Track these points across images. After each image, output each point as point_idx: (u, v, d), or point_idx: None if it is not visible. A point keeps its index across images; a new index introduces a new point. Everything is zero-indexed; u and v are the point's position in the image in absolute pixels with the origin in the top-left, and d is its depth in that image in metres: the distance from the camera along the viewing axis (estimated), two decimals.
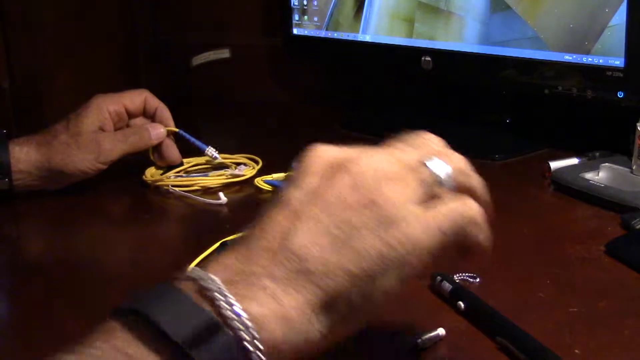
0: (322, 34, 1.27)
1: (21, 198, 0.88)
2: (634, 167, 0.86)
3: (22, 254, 0.78)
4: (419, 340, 0.55)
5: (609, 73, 0.91)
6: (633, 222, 0.76)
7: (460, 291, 0.61)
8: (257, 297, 0.39)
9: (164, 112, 0.97)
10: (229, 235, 0.73)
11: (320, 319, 0.40)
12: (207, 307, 0.38)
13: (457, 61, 1.09)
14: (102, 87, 1.34)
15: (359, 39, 1.22)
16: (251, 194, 0.92)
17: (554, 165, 0.92)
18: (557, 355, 0.52)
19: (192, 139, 0.98)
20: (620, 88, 0.91)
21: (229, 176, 0.94)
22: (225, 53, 1.46)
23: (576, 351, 0.54)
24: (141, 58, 1.46)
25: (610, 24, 0.91)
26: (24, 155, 0.86)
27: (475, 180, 0.49)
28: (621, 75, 0.90)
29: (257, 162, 0.99)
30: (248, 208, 0.88)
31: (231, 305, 0.38)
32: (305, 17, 1.29)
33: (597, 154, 0.94)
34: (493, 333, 0.56)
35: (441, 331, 0.56)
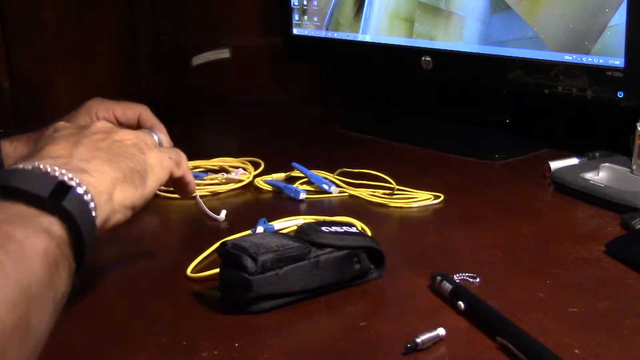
0: (322, 34, 1.27)
1: None
2: (634, 167, 0.86)
3: None
4: (419, 340, 0.55)
5: (609, 73, 0.91)
6: (633, 222, 0.76)
7: (460, 291, 0.61)
8: (73, 170, 0.53)
9: (161, 128, 0.91)
10: (229, 236, 0.73)
11: (120, 188, 0.58)
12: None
13: (457, 61, 1.09)
14: (102, 87, 1.34)
15: (359, 39, 1.22)
16: (249, 195, 0.92)
17: (554, 165, 0.92)
18: (557, 355, 0.52)
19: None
20: (620, 88, 0.91)
21: (223, 180, 0.93)
22: (225, 53, 1.46)
23: (576, 351, 0.54)
24: (141, 58, 1.46)
25: (610, 24, 0.91)
26: (12, 150, 0.86)
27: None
28: (621, 75, 0.90)
29: (258, 165, 0.99)
30: (246, 209, 0.89)
31: (64, 174, 0.51)
32: (305, 17, 1.29)
33: (597, 154, 0.94)
34: (493, 333, 0.56)
35: (441, 331, 0.56)
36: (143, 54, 1.46)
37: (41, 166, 0.52)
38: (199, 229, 0.83)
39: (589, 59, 0.94)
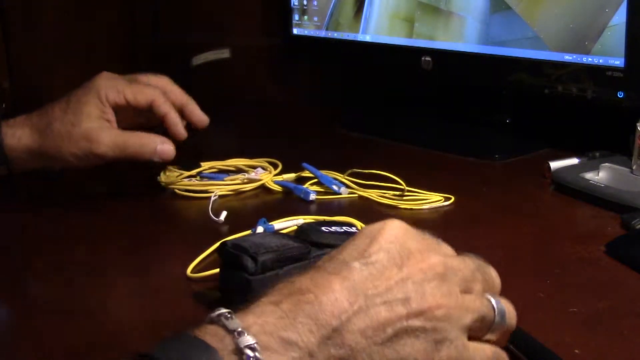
0: (322, 34, 1.27)
1: (26, 192, 0.89)
2: (634, 167, 0.86)
3: (27, 254, 0.78)
4: None
5: (609, 73, 0.91)
6: (633, 222, 0.76)
7: None
8: None
9: (174, 123, 0.88)
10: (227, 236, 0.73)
11: None
12: None
13: (457, 61, 1.09)
14: None
15: (359, 39, 1.22)
16: (259, 196, 0.92)
17: (554, 165, 0.92)
18: (557, 355, 0.52)
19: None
20: (620, 88, 0.91)
21: (245, 180, 0.93)
22: (225, 53, 1.46)
23: (576, 351, 0.54)
24: (141, 58, 1.46)
25: (610, 24, 0.91)
26: (16, 142, 0.82)
27: (514, 322, 0.48)
28: (621, 75, 0.90)
29: (276, 166, 0.98)
30: (255, 210, 0.89)
31: None
32: (305, 17, 1.29)
33: (597, 154, 0.94)
34: None
35: None
36: (143, 54, 1.46)
37: (252, 352, 0.37)
38: (200, 229, 0.83)
39: (589, 59, 0.94)
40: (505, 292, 0.64)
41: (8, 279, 0.70)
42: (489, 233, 0.79)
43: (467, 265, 0.45)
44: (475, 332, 0.44)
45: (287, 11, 1.31)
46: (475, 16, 1.06)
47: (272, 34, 1.40)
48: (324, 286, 0.40)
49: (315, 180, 0.93)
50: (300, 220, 0.80)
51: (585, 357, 0.54)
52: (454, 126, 1.17)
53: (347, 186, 0.90)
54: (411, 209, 0.85)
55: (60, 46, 1.24)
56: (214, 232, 0.80)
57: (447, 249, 0.46)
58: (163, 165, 0.92)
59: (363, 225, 0.78)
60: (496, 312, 0.45)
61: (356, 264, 0.41)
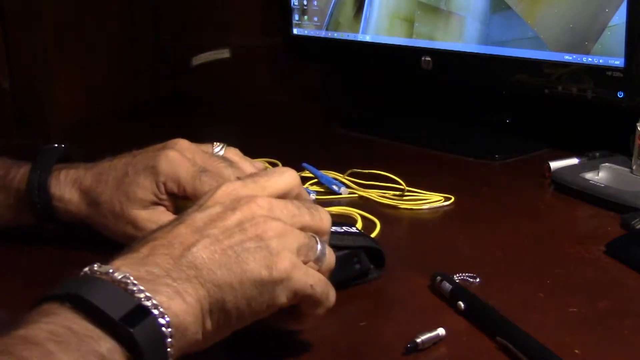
0: (322, 34, 1.27)
1: None
2: (634, 167, 0.86)
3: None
4: (419, 340, 0.55)
5: (609, 73, 0.91)
6: (633, 222, 0.76)
7: (460, 291, 0.61)
8: (163, 292, 0.45)
9: None
10: None
11: (209, 317, 0.48)
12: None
13: (457, 61, 1.09)
14: (102, 87, 1.35)
15: (359, 39, 1.22)
16: None
17: (554, 165, 0.92)
18: (557, 355, 0.52)
19: None
20: (620, 88, 0.91)
21: None
22: (225, 53, 1.46)
23: (576, 351, 0.54)
24: (141, 58, 1.46)
25: (610, 24, 0.91)
26: (63, 206, 0.73)
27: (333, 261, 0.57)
28: (621, 75, 0.90)
29: (276, 166, 0.98)
30: None
31: (149, 297, 0.44)
32: (305, 17, 1.29)
33: (597, 154, 0.94)
34: (493, 333, 0.56)
35: (441, 331, 0.56)
36: (143, 54, 1.46)
37: (128, 280, 0.44)
38: None
39: (589, 59, 0.94)
40: (505, 292, 0.64)
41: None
42: (489, 233, 0.79)
43: (289, 208, 0.54)
44: (303, 258, 0.52)
45: (287, 11, 1.31)
46: (475, 16, 1.06)
47: (272, 34, 1.40)
48: (172, 232, 0.50)
49: (315, 180, 0.93)
50: None
51: (585, 357, 0.54)
52: (454, 126, 1.17)
53: (347, 186, 0.90)
54: (411, 209, 0.85)
55: (60, 47, 1.24)
56: None
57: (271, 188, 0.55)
58: None
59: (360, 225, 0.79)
60: (319, 248, 0.54)
61: (196, 213, 0.51)
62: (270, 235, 0.50)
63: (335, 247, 0.64)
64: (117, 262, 0.47)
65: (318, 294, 0.52)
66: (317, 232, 0.55)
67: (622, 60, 0.90)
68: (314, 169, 0.93)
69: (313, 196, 0.88)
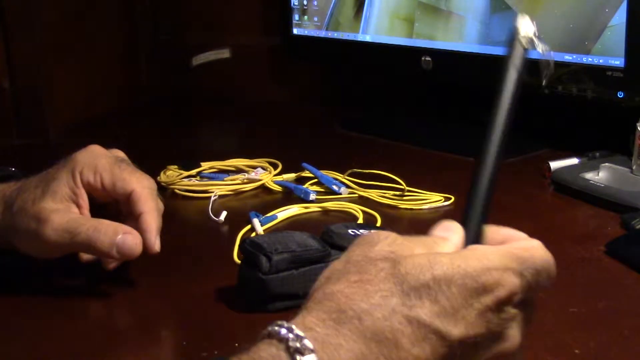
0: (322, 34, 1.27)
1: None
2: (634, 167, 0.86)
3: None
4: None
5: (609, 73, 0.91)
6: (633, 222, 0.76)
7: None
8: None
9: (149, 228, 0.66)
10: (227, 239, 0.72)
11: None
12: None
13: (457, 61, 1.09)
14: (102, 87, 1.35)
15: (359, 39, 1.22)
16: (260, 196, 0.92)
17: (554, 165, 0.92)
18: None
19: None
20: (620, 88, 0.91)
21: (245, 180, 0.93)
22: (225, 53, 1.46)
23: (576, 351, 0.54)
24: (141, 58, 1.46)
25: (610, 24, 0.91)
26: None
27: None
28: (621, 75, 0.90)
29: (276, 166, 0.98)
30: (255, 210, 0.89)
31: None
32: (305, 17, 1.29)
33: (597, 154, 0.94)
34: None
35: None
36: (143, 54, 1.46)
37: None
38: (200, 229, 0.83)
39: (589, 59, 0.94)
40: None
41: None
42: None
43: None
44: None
45: (287, 11, 1.31)
46: (475, 16, 1.06)
47: (272, 34, 1.41)
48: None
49: (315, 180, 0.93)
50: (295, 208, 0.82)
51: (585, 357, 0.54)
52: (454, 126, 1.17)
53: (347, 186, 0.90)
54: (411, 209, 0.85)
55: (60, 46, 1.24)
56: (214, 232, 0.80)
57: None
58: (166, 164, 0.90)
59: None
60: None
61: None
62: None
63: None
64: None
65: None
66: None
67: (622, 60, 0.90)
68: (314, 169, 0.93)
69: (313, 196, 0.88)
